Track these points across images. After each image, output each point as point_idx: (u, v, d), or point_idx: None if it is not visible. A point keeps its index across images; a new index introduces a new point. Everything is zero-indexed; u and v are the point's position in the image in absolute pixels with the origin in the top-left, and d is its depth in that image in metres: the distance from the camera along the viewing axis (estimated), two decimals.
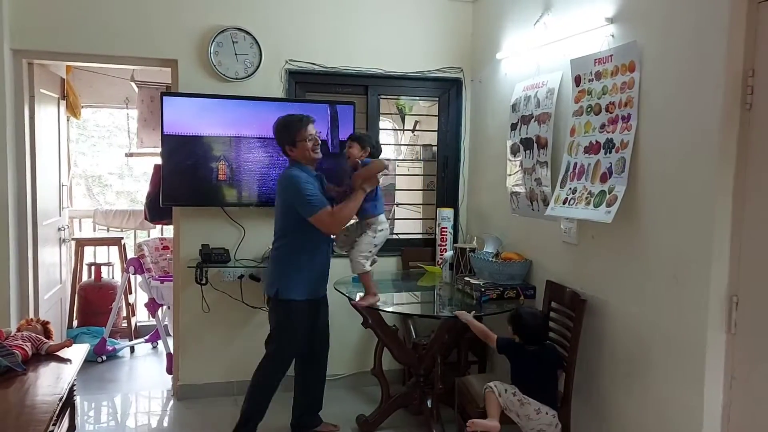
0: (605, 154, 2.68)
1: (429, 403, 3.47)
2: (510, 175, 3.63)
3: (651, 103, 2.48)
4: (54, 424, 2.50)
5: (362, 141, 3.37)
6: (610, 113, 2.67)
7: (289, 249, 3.19)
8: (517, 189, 3.54)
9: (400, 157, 5.57)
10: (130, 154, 5.76)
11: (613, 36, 2.71)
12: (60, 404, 2.47)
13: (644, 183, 2.52)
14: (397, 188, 5.27)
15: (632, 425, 2.62)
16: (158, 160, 4.09)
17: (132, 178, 9.01)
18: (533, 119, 3.33)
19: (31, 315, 3.79)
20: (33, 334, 2.95)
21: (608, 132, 2.68)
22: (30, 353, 2.85)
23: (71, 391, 2.88)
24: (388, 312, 3.53)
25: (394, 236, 4.66)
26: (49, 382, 2.66)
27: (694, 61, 2.26)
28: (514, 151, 3.56)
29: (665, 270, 2.40)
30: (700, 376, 2.21)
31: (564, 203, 2.91)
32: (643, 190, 2.52)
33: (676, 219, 2.35)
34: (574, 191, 2.85)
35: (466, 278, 3.58)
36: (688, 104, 2.29)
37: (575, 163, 2.89)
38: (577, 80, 2.91)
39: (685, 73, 2.31)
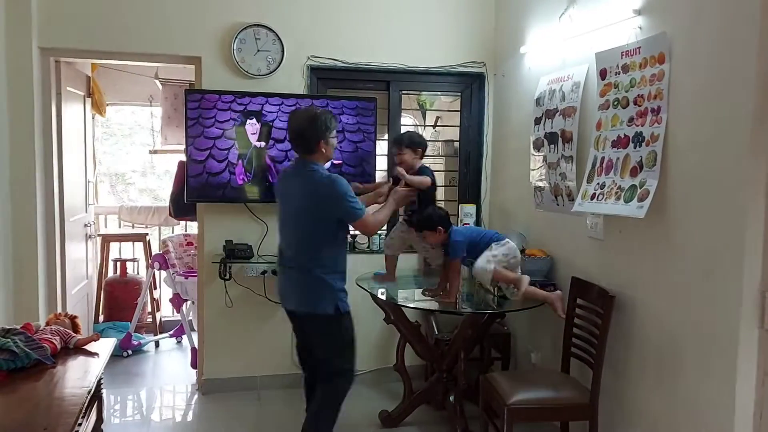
0: (634, 147, 2.64)
1: (452, 398, 3.46)
2: (534, 170, 3.60)
3: (681, 96, 2.43)
4: (83, 417, 2.53)
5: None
6: (639, 106, 2.63)
7: (333, 261, 2.93)
8: (541, 184, 3.50)
9: None
10: (154, 151, 5.82)
11: (640, 28, 2.66)
12: (88, 397, 2.50)
13: (674, 177, 2.47)
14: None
15: (661, 423, 2.58)
16: (182, 157, 4.12)
17: (155, 175, 9.11)
18: (558, 113, 3.30)
19: (59, 310, 3.85)
20: (61, 328, 2.98)
21: (637, 125, 2.64)
22: (59, 347, 2.88)
23: (99, 385, 2.91)
24: (410, 308, 3.53)
25: None
26: (78, 375, 2.69)
27: (725, 52, 2.22)
28: (538, 146, 3.52)
29: (696, 265, 2.36)
30: (732, 373, 2.17)
31: (592, 198, 2.87)
32: (673, 184, 2.48)
33: (707, 213, 2.30)
34: (602, 186, 2.81)
35: None
36: (720, 96, 2.24)
37: (603, 158, 2.85)
38: (603, 73, 2.87)
39: (715, 65, 2.26)
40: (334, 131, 2.94)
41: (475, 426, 3.27)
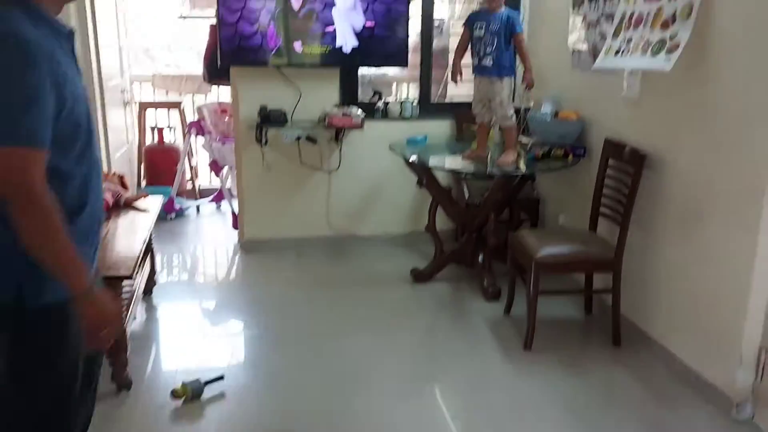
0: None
1: (481, 257, 3.61)
2: (572, 32, 3.50)
3: None
4: (139, 265, 2.74)
5: None
6: None
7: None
8: (579, 47, 3.42)
9: (455, 17, 5.37)
10: (183, 17, 5.75)
11: None
12: (144, 245, 2.69)
13: (715, 30, 2.40)
14: (450, 50, 5.13)
15: (680, 272, 2.70)
16: (213, 21, 4.08)
17: (182, 49, 8.99)
18: None
19: (106, 170, 4.01)
20: (111, 185, 3.15)
21: None
22: (110, 203, 3.07)
23: (149, 238, 3.11)
24: (443, 170, 3.59)
25: (449, 100, 4.63)
26: (132, 229, 2.89)
27: None
28: (577, 4, 3.40)
29: (731, 122, 2.36)
30: (755, 223, 2.23)
31: (616, 54, 2.81)
32: (713, 38, 2.41)
33: (748, 69, 2.26)
34: (628, 41, 2.73)
35: (519, 137, 3.58)
36: None
37: (632, 13, 2.75)
38: None
39: None
40: None
41: (502, 282, 3.43)
